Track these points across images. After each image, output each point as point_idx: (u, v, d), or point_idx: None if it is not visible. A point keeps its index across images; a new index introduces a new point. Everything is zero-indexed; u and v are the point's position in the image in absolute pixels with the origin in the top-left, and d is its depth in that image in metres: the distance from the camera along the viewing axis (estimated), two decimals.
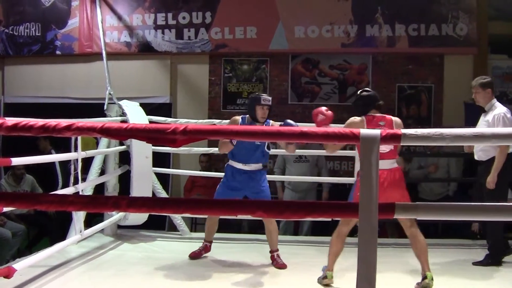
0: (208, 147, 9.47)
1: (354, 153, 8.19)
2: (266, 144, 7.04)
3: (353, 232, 6.32)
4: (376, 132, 2.92)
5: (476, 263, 7.03)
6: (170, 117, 10.48)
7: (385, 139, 2.96)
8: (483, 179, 6.90)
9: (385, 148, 5.73)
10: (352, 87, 11.85)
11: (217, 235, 7.64)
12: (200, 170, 10.42)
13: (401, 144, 3.03)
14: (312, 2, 11.62)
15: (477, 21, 11.44)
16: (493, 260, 6.98)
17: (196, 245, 7.68)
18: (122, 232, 8.59)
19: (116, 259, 7.17)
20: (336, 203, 3.09)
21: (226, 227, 10.08)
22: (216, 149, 8.93)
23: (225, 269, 6.83)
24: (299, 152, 9.21)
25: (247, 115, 7.15)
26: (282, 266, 6.98)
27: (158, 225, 9.59)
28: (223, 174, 7.34)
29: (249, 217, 8.31)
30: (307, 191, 9.94)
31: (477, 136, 2.95)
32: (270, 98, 7.16)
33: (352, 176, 7.83)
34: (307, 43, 11.63)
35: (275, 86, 12.02)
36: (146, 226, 8.63)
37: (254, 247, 7.95)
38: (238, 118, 7.22)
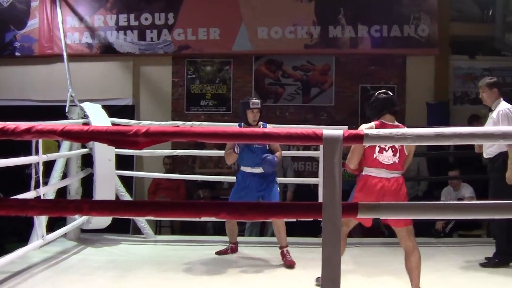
0: (172, 149, 9.42)
1: (319, 153, 8.20)
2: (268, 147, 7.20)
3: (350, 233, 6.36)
4: (339, 132, 2.91)
5: (483, 264, 7.07)
6: (133, 119, 10.41)
7: (348, 139, 2.95)
8: (492, 176, 7.04)
9: (388, 160, 5.62)
10: (315, 88, 11.90)
11: (182, 237, 7.61)
12: (164, 173, 10.37)
13: (364, 144, 3.03)
14: (275, 3, 11.63)
15: (439, 23, 11.58)
16: (501, 261, 7.02)
17: (161, 248, 7.64)
18: (86, 236, 8.49)
19: (80, 264, 7.08)
20: (299, 204, 3.07)
21: (191, 229, 10.07)
22: (180, 150, 8.93)
23: (191, 272, 6.79)
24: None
25: (242, 122, 7.23)
26: (291, 263, 7.04)
27: (122, 228, 9.51)
28: (187, 176, 7.33)
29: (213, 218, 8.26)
30: None
31: (438, 136, 2.95)
32: (259, 101, 7.25)
33: (317, 176, 7.84)
34: (270, 44, 11.65)
35: (238, 87, 12.02)
36: (110, 229, 8.54)
37: (219, 248, 7.91)
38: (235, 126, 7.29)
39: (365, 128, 5.40)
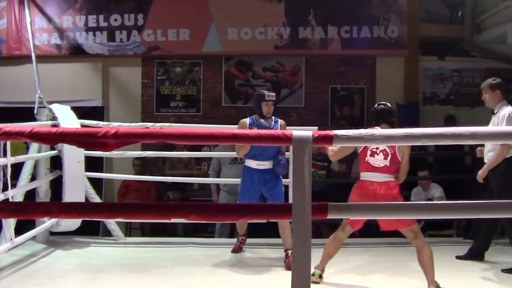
0: (142, 150, 9.38)
1: (288, 154, 8.20)
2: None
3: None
4: (308, 133, 2.92)
5: (459, 256, 7.20)
6: (103, 120, 10.35)
7: (317, 140, 2.96)
8: (493, 183, 6.90)
9: (379, 163, 5.85)
10: (285, 88, 11.94)
11: (152, 239, 7.58)
12: (134, 174, 10.32)
13: (333, 145, 3.04)
14: (245, 4, 11.64)
15: (408, 24, 11.70)
16: (476, 255, 7.12)
17: (131, 250, 7.59)
18: (55, 239, 8.40)
19: (49, 267, 6.99)
20: (269, 205, 3.09)
21: (161, 231, 10.03)
22: (150, 152, 8.88)
23: (161, 274, 6.74)
24: (235, 154, 9.21)
25: (255, 115, 7.19)
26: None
27: (92, 230, 9.43)
28: (157, 177, 7.27)
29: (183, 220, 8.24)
30: None
31: (407, 137, 2.97)
32: (274, 94, 7.22)
33: (286, 177, 7.84)
34: (240, 45, 11.65)
35: (208, 88, 12.02)
36: (79, 232, 8.46)
37: (189, 250, 7.89)
38: (246, 120, 7.20)
39: None
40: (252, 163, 7.20)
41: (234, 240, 9.02)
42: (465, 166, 10.16)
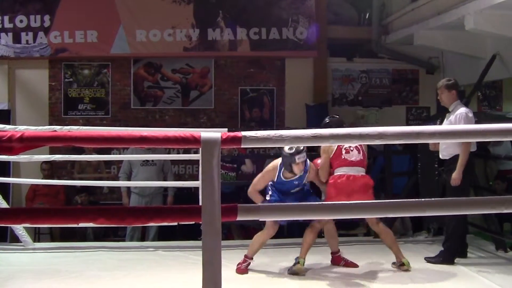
0: (50, 154, 9.21)
1: (199, 156, 8.20)
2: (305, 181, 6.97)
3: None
4: (217, 135, 2.94)
5: (429, 259, 7.27)
6: (9, 124, 10.09)
7: (226, 142, 2.98)
8: (447, 178, 7.15)
9: (355, 157, 6.60)
10: (195, 90, 11.94)
11: (62, 244, 7.46)
12: (42, 178, 10.12)
13: (242, 146, 3.06)
14: (153, 6, 11.56)
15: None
16: (446, 258, 7.14)
17: (40, 256, 7.46)
18: None
19: None
20: (178, 207, 3.09)
21: (71, 235, 9.86)
22: (58, 156, 8.69)
23: (72, 279, 6.63)
24: (146, 156, 9.17)
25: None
26: (352, 265, 7.06)
27: None
28: (65, 181, 7.13)
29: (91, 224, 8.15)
30: (154, 195, 9.82)
31: (315, 137, 3.02)
32: (305, 150, 6.71)
33: (197, 179, 7.85)
34: (149, 47, 11.57)
35: (117, 90, 11.89)
36: None
37: (100, 254, 7.80)
38: (277, 165, 6.83)
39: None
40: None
41: (146, 243, 8.99)
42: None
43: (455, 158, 6.99)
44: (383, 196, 8.76)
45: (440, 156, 7.36)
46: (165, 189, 10.06)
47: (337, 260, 7.11)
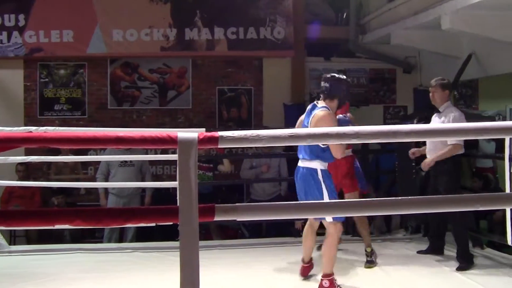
0: (26, 155, 9.13)
1: (176, 156, 8.18)
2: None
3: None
4: (193, 135, 2.92)
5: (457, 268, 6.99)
6: None
7: (203, 142, 2.96)
8: (436, 181, 7.14)
9: None
10: (172, 90, 11.92)
11: (38, 246, 7.39)
12: (17, 180, 10.03)
13: (219, 146, 3.05)
14: (130, 5, 11.51)
15: (294, 25, 11.91)
16: (467, 263, 6.96)
17: (16, 259, 7.39)
18: None
19: None
20: (156, 208, 3.06)
21: (47, 237, 9.78)
22: (34, 157, 8.61)
23: (50, 282, 6.58)
24: (124, 157, 9.13)
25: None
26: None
27: None
28: (41, 183, 7.06)
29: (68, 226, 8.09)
30: (132, 196, 9.78)
31: (293, 137, 3.02)
32: None
33: (175, 179, 7.82)
34: (126, 46, 11.52)
35: (93, 91, 11.83)
36: None
37: (77, 256, 7.75)
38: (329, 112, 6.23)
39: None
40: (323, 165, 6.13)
41: (124, 244, 8.94)
42: None
43: (443, 161, 6.96)
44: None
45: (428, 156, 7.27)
46: (143, 189, 10.03)
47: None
